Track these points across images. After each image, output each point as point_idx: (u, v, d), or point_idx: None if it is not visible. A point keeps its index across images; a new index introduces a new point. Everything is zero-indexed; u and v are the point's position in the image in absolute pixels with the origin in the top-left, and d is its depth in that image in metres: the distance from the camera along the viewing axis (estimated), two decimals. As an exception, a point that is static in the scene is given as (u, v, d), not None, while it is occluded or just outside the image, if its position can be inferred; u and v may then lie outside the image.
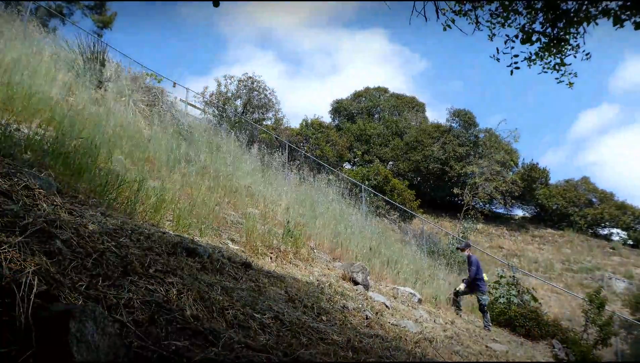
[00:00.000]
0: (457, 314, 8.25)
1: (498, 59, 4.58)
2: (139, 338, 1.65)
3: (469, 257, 8.77)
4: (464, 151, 27.47)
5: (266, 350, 1.99)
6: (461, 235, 18.64)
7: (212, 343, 1.86)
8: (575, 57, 4.40)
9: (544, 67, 4.54)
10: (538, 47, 4.38)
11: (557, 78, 4.54)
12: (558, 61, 4.44)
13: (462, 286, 8.62)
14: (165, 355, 1.62)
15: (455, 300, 8.60)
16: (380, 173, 23.41)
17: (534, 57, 4.49)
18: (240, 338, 2.03)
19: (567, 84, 4.56)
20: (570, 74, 4.54)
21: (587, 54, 4.41)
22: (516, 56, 4.49)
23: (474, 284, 8.47)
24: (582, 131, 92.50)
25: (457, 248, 9.51)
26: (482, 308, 8.33)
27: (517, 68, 4.53)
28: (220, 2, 2.90)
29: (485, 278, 8.70)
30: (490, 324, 8.30)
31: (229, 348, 1.87)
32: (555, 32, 4.17)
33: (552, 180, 30.30)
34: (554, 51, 4.33)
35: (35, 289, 1.46)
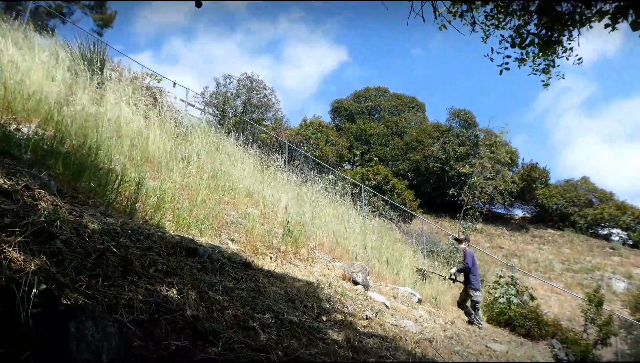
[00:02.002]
0: (480, 327, 7.88)
1: (492, 59, 4.62)
2: (139, 338, 1.65)
3: (465, 251, 8.62)
4: (464, 151, 27.49)
5: (266, 350, 1.99)
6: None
7: (212, 343, 1.87)
8: (567, 59, 4.42)
9: (533, 69, 4.56)
10: (530, 49, 4.40)
11: (543, 81, 4.56)
12: (549, 62, 4.46)
13: (452, 270, 8.55)
14: (165, 355, 1.63)
15: (467, 308, 8.24)
16: (380, 173, 23.43)
17: (524, 57, 4.51)
18: (240, 338, 2.04)
19: (543, 84, 4.58)
20: (557, 75, 4.56)
21: (579, 58, 4.42)
22: (508, 57, 4.53)
23: (467, 279, 8.30)
24: (542, 112, 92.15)
25: (455, 239, 9.31)
26: (473, 305, 8.17)
27: (507, 69, 4.55)
28: (202, 2, 2.91)
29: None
30: (481, 322, 8.13)
31: (229, 348, 1.87)
32: (549, 34, 4.18)
33: (552, 180, 30.30)
34: (548, 53, 4.34)
35: (35, 289, 1.46)
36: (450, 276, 8.67)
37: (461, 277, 8.56)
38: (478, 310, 8.22)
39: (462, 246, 8.78)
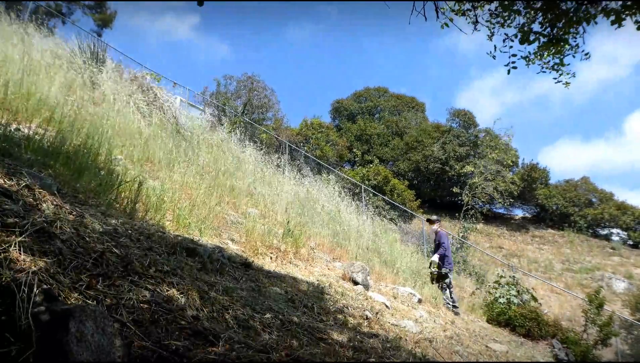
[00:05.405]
0: (450, 309, 7.90)
1: (494, 56, 4.61)
2: (139, 338, 1.65)
3: (438, 232, 8.60)
4: (464, 151, 27.50)
5: (266, 350, 1.99)
6: (461, 234, 18.64)
7: (212, 343, 1.86)
8: (574, 57, 4.41)
9: (542, 67, 4.54)
10: (537, 47, 4.39)
11: (555, 78, 4.54)
12: (557, 60, 4.44)
13: (435, 258, 8.38)
14: (165, 355, 1.62)
15: (449, 295, 8.28)
16: (380, 173, 23.43)
17: (532, 56, 4.50)
18: (240, 338, 2.03)
19: (564, 84, 4.56)
20: (568, 74, 4.54)
21: (586, 54, 4.41)
22: (514, 55, 4.51)
23: (441, 260, 8.36)
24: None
25: (428, 220, 9.21)
26: (447, 286, 8.23)
27: (515, 68, 4.54)
28: (204, 1, 2.90)
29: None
30: (449, 303, 8.06)
31: (229, 348, 1.87)
32: (554, 32, 4.17)
33: (552, 179, 30.27)
34: (553, 50, 4.33)
35: (35, 289, 1.46)
36: (437, 264, 8.55)
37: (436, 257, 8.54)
38: (450, 290, 8.25)
39: (435, 227, 8.79)
